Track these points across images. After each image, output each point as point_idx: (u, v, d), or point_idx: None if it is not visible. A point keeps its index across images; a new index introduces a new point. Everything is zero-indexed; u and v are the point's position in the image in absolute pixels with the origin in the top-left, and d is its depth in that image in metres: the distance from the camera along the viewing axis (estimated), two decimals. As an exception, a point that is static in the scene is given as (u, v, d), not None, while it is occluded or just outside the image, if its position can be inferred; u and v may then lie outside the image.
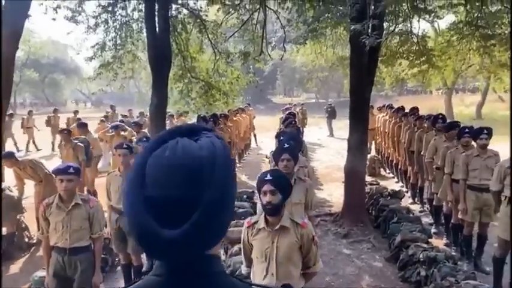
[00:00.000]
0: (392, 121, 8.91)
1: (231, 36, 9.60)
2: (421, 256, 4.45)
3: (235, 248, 4.61)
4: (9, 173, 6.11)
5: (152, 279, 0.76)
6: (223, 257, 5.26)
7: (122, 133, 7.93)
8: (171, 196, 0.69)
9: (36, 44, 36.70)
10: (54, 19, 7.35)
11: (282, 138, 4.67)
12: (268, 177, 2.50)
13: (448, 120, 6.60)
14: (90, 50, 8.48)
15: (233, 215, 0.81)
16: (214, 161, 0.71)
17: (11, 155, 5.64)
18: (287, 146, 3.46)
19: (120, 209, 4.22)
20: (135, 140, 7.09)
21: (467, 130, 5.07)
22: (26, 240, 5.80)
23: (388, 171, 10.09)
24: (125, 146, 4.29)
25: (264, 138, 15.39)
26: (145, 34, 7.44)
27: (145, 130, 9.36)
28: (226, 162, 0.74)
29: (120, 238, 4.26)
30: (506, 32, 6.97)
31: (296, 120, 7.93)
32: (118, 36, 8.02)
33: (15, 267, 5.25)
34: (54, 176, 3.38)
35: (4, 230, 5.45)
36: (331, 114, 17.58)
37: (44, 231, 3.33)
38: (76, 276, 3.27)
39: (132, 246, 4.20)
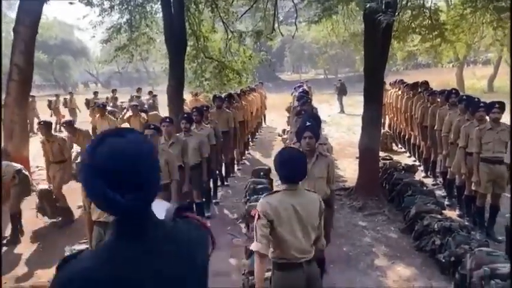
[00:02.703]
0: (405, 96, 8.97)
1: (243, 15, 9.62)
2: (435, 226, 4.65)
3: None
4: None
5: (111, 241, 1.03)
6: (244, 230, 5.54)
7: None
8: (128, 171, 0.98)
9: (44, 25, 36.67)
10: (71, 3, 7.46)
11: (302, 116, 4.83)
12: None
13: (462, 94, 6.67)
14: (103, 33, 8.63)
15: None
16: (144, 148, 1.03)
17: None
18: (309, 124, 3.62)
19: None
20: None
21: (482, 105, 5.18)
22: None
23: (400, 146, 10.23)
24: (151, 126, 4.50)
25: (275, 116, 15.51)
26: (158, 15, 7.53)
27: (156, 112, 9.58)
28: (151, 150, 1.06)
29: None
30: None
31: (310, 97, 8.03)
32: (133, 18, 8.12)
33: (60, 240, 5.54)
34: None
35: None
36: (342, 91, 17.53)
37: (86, 208, 3.59)
38: None
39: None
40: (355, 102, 15.45)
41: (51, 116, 14.38)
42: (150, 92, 14.17)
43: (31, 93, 9.50)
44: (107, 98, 13.48)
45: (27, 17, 7.27)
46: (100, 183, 0.95)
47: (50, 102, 15.15)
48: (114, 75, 42.94)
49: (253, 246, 2.55)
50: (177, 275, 1.03)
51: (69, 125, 6.97)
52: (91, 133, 7.46)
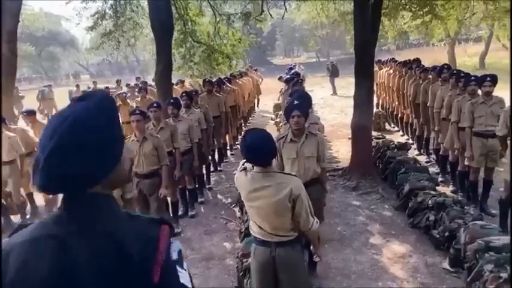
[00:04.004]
0: (397, 75, 8.90)
1: (230, -3, 9.44)
2: (429, 202, 4.63)
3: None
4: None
5: (56, 212, 0.95)
6: (238, 214, 5.52)
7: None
8: (39, 152, 0.90)
9: (29, 17, 36.00)
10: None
11: (291, 96, 4.75)
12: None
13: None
14: (88, 21, 8.43)
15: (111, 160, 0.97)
16: (76, 118, 0.90)
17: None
18: (297, 102, 3.54)
19: (140, 173, 4.40)
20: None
21: (473, 78, 5.12)
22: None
23: (393, 125, 10.20)
24: (137, 112, 4.41)
25: (267, 101, 15.41)
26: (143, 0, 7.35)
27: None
28: (81, 118, 0.91)
29: (142, 201, 4.46)
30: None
31: (301, 78, 7.94)
32: (118, 4, 7.92)
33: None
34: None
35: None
36: (334, 72, 17.42)
37: None
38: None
39: (154, 207, 4.41)
40: (348, 84, 15.37)
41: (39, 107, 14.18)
42: (137, 78, 14.12)
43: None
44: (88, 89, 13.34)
45: (9, 6, 7.06)
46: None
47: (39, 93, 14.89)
48: (105, 66, 42.42)
49: None
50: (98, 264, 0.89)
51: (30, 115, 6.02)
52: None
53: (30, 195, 5.86)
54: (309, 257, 3.16)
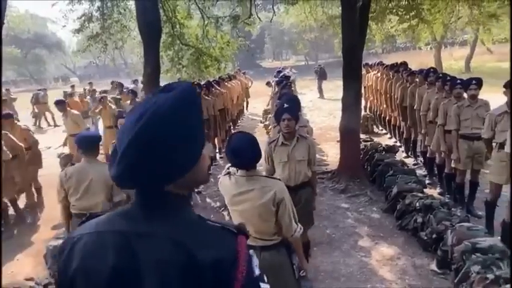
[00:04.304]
0: (385, 78, 8.97)
1: (218, 0, 9.43)
2: (417, 204, 4.67)
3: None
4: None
5: (124, 208, 0.94)
6: (227, 218, 5.48)
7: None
8: (122, 138, 0.86)
9: (15, 19, 35.52)
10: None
11: (280, 99, 4.75)
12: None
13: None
14: (75, 23, 8.34)
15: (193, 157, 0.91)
16: (156, 113, 0.84)
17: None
18: (287, 106, 3.55)
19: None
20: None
21: (458, 82, 5.19)
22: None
23: (381, 128, 10.28)
24: (125, 115, 4.36)
25: (256, 103, 15.41)
26: (131, 2, 7.30)
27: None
28: (174, 114, 0.85)
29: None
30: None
31: (290, 82, 7.96)
32: (104, 6, 7.85)
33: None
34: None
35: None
36: (322, 75, 17.53)
37: (60, 199, 3.52)
38: None
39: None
40: (336, 87, 15.47)
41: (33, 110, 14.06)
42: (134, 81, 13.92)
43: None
44: (84, 90, 13.19)
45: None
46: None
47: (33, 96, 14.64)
48: (92, 68, 42.02)
49: None
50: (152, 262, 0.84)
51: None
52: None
53: (13, 201, 5.75)
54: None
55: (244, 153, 2.38)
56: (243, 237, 0.89)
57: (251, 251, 0.90)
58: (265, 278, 0.91)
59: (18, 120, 7.46)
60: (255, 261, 0.89)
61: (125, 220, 0.90)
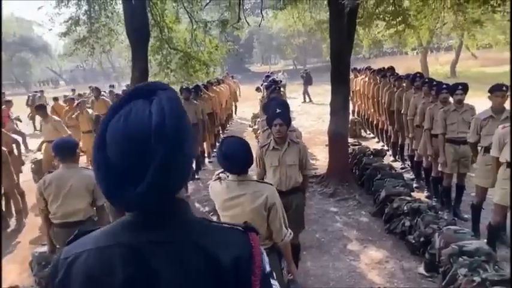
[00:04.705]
0: (372, 83, 9.06)
1: (207, 4, 9.43)
2: (405, 208, 4.71)
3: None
4: None
5: (125, 219, 0.87)
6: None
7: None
8: (126, 161, 0.79)
9: (-1, 22, 34.98)
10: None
11: (271, 104, 4.75)
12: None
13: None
14: (62, 26, 8.24)
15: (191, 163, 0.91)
16: (162, 125, 0.79)
17: None
18: (279, 111, 3.56)
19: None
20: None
21: (444, 86, 5.27)
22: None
23: (368, 132, 10.37)
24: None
25: (245, 107, 15.43)
26: (119, 6, 7.26)
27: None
28: (177, 122, 0.82)
29: (117, 210, 4.36)
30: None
31: (280, 86, 8.00)
32: (92, 9, 7.78)
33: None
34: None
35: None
36: (307, 81, 17.69)
37: (40, 208, 3.44)
38: None
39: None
40: (324, 91, 15.55)
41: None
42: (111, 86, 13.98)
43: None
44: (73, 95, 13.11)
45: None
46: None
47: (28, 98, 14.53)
48: (79, 72, 41.58)
49: None
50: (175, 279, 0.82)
51: None
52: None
53: None
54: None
55: (237, 158, 2.37)
56: (253, 234, 0.89)
57: (262, 248, 0.89)
58: (274, 275, 0.91)
59: (21, 121, 7.36)
60: (266, 258, 0.89)
61: (129, 231, 0.85)
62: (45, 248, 4.22)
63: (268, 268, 0.88)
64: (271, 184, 2.59)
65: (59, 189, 3.31)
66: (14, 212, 5.96)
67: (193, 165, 7.57)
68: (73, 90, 15.13)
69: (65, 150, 3.35)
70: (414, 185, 6.28)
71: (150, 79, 10.32)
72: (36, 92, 14.98)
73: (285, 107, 4.01)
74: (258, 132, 7.83)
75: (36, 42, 42.95)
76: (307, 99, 17.67)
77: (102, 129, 0.83)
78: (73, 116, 8.00)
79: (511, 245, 3.43)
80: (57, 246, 3.50)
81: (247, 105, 15.26)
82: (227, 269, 0.82)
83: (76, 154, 3.46)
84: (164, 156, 0.78)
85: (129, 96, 0.85)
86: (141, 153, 0.78)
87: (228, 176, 2.48)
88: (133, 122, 0.79)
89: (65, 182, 3.32)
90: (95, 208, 3.51)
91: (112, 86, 14.96)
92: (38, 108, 6.91)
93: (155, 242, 0.82)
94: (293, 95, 18.80)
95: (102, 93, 11.37)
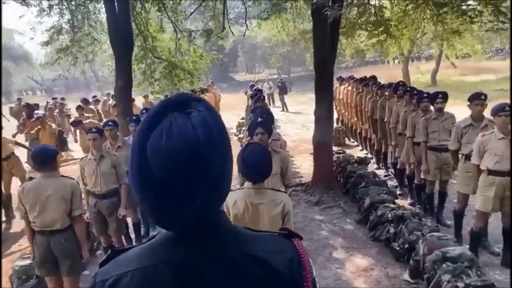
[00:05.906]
0: (355, 91, 9.18)
1: (191, 14, 9.45)
2: (389, 215, 4.76)
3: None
4: None
5: (166, 235, 0.82)
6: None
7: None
8: (176, 179, 0.73)
9: (-21, 30, 34.33)
10: (3, 2, 6.96)
11: (254, 113, 4.78)
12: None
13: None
14: (44, 35, 8.14)
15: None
16: (210, 138, 0.74)
17: None
18: (261, 120, 3.57)
19: (98, 193, 4.23)
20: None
21: (425, 95, 5.37)
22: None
23: (352, 140, 10.47)
24: (94, 130, 4.27)
25: (230, 116, 15.44)
26: (102, 15, 7.22)
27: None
28: (221, 133, 0.78)
29: (100, 221, 4.29)
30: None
31: (264, 95, 8.04)
32: (75, 18, 7.71)
33: None
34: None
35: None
36: (282, 90, 17.92)
37: (22, 216, 3.37)
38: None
39: (113, 228, 4.26)
40: (309, 100, 15.70)
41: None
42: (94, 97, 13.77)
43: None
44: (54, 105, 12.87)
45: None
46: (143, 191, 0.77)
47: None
48: (61, 81, 40.96)
49: None
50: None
51: None
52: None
53: None
54: None
55: (258, 166, 2.34)
56: (298, 240, 0.89)
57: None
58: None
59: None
60: (311, 263, 0.89)
61: (169, 248, 0.80)
62: (26, 261, 4.13)
63: (314, 273, 0.89)
64: (285, 192, 2.58)
65: (36, 199, 3.24)
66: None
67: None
68: (54, 98, 14.89)
69: (43, 158, 3.27)
70: (398, 192, 6.36)
71: (134, 88, 10.26)
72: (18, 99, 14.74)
73: (268, 115, 4.03)
74: (243, 141, 7.84)
75: (17, 51, 42.19)
76: (285, 108, 17.86)
77: (140, 147, 0.75)
78: (32, 131, 7.41)
79: (511, 251, 3.48)
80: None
81: (233, 114, 15.27)
82: (282, 275, 0.82)
83: (55, 162, 3.38)
84: (216, 172, 0.75)
85: (163, 110, 0.77)
86: (191, 170, 0.73)
87: (241, 185, 2.45)
88: (177, 137, 0.73)
89: (42, 191, 3.25)
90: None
91: (95, 97, 14.81)
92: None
93: (206, 255, 0.79)
94: (278, 103, 18.92)
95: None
